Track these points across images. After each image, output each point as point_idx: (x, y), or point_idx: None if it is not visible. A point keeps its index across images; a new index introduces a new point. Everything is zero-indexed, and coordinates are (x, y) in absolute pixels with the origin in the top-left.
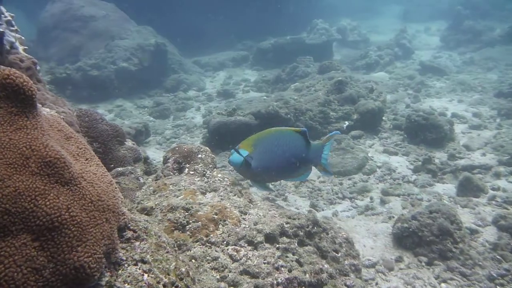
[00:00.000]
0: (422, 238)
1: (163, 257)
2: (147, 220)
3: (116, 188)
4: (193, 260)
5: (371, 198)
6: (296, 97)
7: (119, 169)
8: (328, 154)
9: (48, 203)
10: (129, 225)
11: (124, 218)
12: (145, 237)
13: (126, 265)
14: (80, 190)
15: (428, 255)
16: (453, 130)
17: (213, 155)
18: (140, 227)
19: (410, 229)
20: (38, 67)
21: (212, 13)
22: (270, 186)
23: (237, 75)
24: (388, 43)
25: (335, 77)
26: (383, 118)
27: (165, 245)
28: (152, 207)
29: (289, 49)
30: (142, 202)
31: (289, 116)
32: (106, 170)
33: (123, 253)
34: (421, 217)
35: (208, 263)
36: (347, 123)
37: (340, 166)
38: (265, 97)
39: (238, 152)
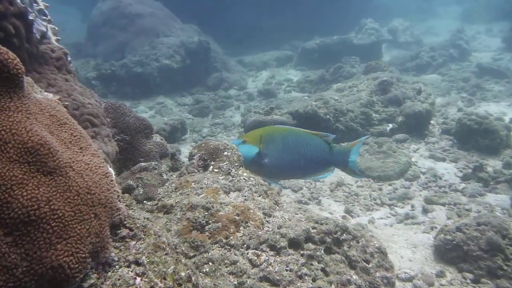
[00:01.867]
0: (468, 253)
1: (161, 260)
2: (147, 218)
3: (112, 181)
4: (210, 263)
5: (412, 206)
6: (337, 97)
7: (142, 164)
8: (357, 157)
9: (25, 193)
10: (125, 222)
11: (119, 214)
12: (143, 236)
13: (117, 266)
14: (66, 181)
15: (474, 271)
16: (511, 136)
17: (239, 153)
18: (138, 225)
19: (454, 242)
20: (69, 58)
21: (261, 13)
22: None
23: (280, 75)
24: (443, 44)
25: (380, 77)
26: (431, 121)
27: (164, 246)
28: (172, 204)
29: (335, 49)
30: (163, 199)
31: (328, 116)
32: (102, 161)
33: (116, 253)
34: (467, 229)
35: (226, 267)
36: (390, 125)
37: (380, 171)
38: (306, 97)
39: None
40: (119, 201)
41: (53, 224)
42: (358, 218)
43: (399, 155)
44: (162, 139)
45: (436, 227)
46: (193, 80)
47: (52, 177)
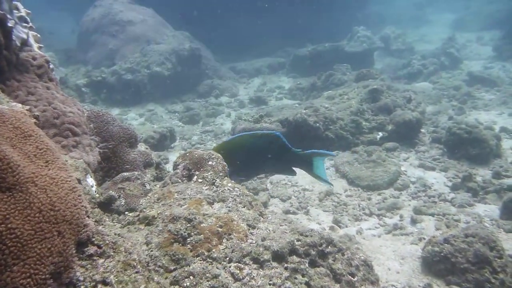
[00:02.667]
0: (455, 265)
1: (130, 278)
2: (118, 234)
3: (80, 196)
4: (191, 277)
5: (401, 216)
6: (327, 105)
7: (125, 174)
8: (323, 167)
9: None
10: (93, 239)
11: (86, 231)
12: (112, 253)
13: (82, 287)
14: (27, 197)
15: (462, 284)
16: (501, 145)
17: (224, 163)
18: (107, 241)
19: (442, 254)
20: (51, 66)
21: (254, 20)
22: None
23: (272, 82)
24: (434, 52)
25: (370, 85)
26: (422, 130)
27: (135, 264)
28: (154, 216)
29: (327, 56)
30: (144, 210)
31: (318, 124)
32: (70, 175)
33: (81, 273)
34: (454, 240)
35: (207, 281)
36: (380, 134)
37: (369, 180)
38: (297, 105)
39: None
40: (88, 216)
41: (9, 244)
42: (346, 229)
43: (388, 164)
44: (147, 148)
45: (424, 238)
46: (184, 87)
47: (11, 193)
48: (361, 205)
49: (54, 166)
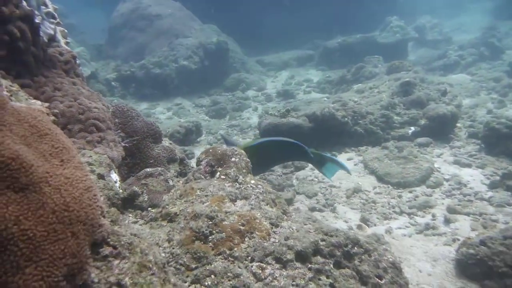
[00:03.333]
0: (493, 269)
1: (146, 280)
2: (134, 234)
3: (95, 195)
4: (212, 276)
5: (434, 216)
6: (356, 99)
7: (148, 169)
8: (332, 175)
9: None
10: (108, 239)
11: (101, 231)
12: (127, 254)
13: None
14: (40, 197)
15: None
16: None
17: (248, 159)
18: (123, 242)
19: (478, 256)
20: (78, 61)
21: (283, 11)
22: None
23: (300, 75)
24: (473, 42)
25: (402, 78)
26: (457, 124)
27: (151, 266)
28: (176, 213)
29: (358, 48)
30: (167, 206)
31: (346, 119)
32: (86, 173)
33: (96, 274)
34: (492, 243)
35: (229, 280)
36: (412, 128)
37: (400, 177)
38: (325, 99)
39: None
40: (103, 216)
41: (21, 246)
42: (374, 228)
43: (420, 161)
44: (171, 143)
45: (458, 239)
46: (211, 81)
47: (24, 193)
48: (390, 203)
49: (69, 165)
